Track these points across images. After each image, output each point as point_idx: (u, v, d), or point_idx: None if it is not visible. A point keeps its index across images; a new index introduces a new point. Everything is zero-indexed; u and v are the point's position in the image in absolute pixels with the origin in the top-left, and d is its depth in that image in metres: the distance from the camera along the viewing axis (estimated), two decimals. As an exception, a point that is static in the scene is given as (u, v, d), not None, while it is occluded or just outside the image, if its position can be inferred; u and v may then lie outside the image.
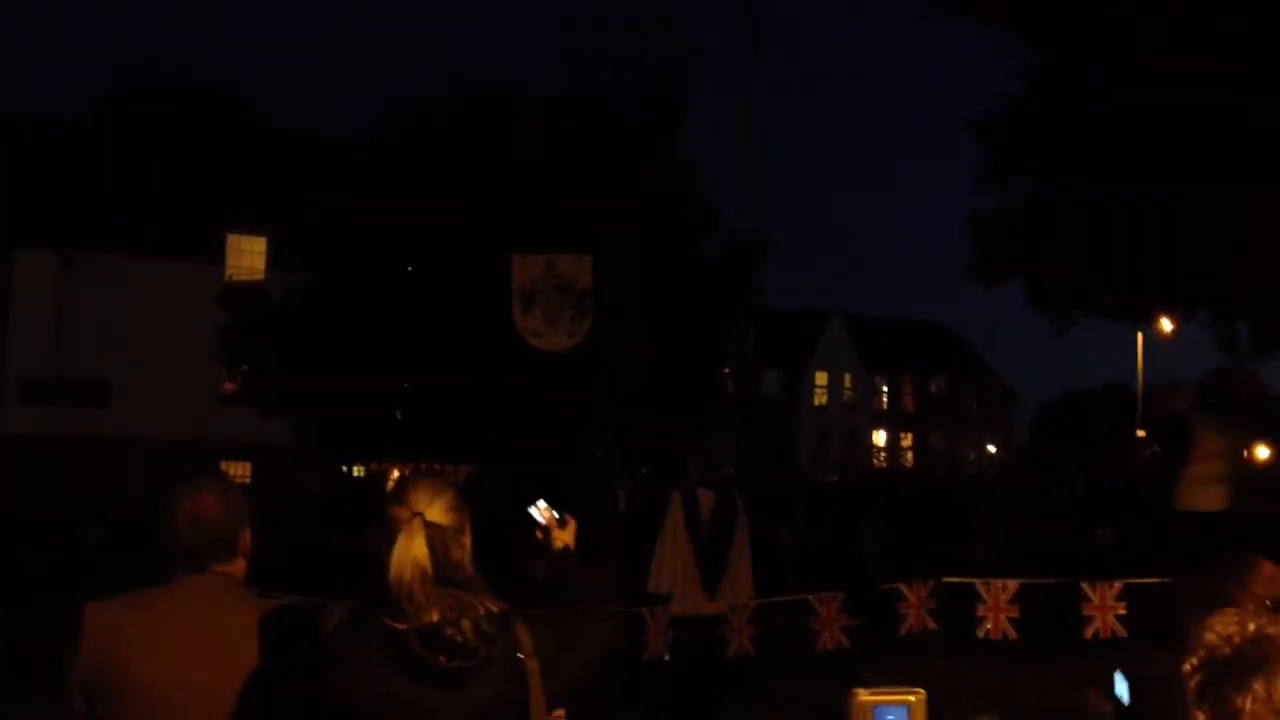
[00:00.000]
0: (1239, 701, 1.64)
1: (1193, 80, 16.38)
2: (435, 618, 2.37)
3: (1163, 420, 11.06)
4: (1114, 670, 3.44)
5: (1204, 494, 9.29)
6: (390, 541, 2.42)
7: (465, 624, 2.38)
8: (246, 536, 2.96)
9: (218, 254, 34.41)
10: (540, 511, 3.03)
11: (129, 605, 2.84)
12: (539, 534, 2.98)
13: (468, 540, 2.55)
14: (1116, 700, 3.38)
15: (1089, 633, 8.39)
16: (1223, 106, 16.27)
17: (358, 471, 26.08)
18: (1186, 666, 1.71)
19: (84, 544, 15.71)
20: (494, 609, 2.44)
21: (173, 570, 2.88)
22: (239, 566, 2.94)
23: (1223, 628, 1.72)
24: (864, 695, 3.38)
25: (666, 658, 8.64)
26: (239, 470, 30.68)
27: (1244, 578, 3.03)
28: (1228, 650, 1.69)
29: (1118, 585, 8.46)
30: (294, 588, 3.09)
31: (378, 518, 2.51)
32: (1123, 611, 8.34)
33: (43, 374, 31.11)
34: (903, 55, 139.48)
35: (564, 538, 2.93)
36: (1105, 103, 17.64)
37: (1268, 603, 2.94)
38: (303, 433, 23.21)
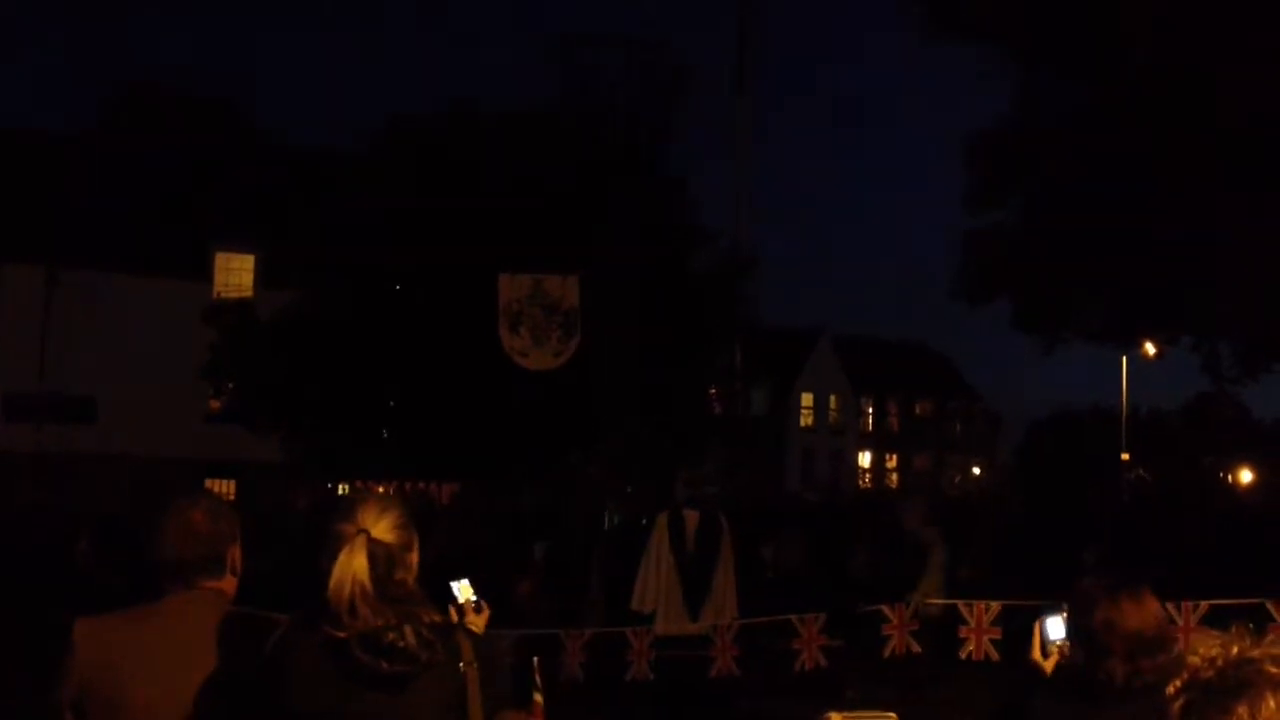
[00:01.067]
0: None
1: (1181, 103, 16.52)
2: (377, 625, 2.41)
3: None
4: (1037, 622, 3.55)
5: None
6: (333, 556, 2.45)
7: (407, 630, 2.41)
8: (236, 553, 2.98)
9: (206, 271, 34.39)
10: (461, 590, 2.99)
11: (119, 623, 2.86)
12: (454, 612, 2.98)
13: (414, 558, 2.57)
14: (1045, 644, 3.49)
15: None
16: (1210, 130, 16.40)
17: (343, 490, 26.01)
18: (1170, 689, 1.69)
19: (72, 561, 15.63)
20: (436, 618, 2.48)
21: (163, 586, 2.90)
22: (229, 583, 2.96)
23: (1206, 650, 1.69)
24: (837, 718, 3.42)
25: (650, 677, 8.66)
26: (224, 488, 30.57)
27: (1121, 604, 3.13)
28: (1210, 674, 1.66)
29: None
30: (279, 606, 3.11)
31: (323, 533, 2.55)
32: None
33: (28, 390, 30.99)
34: (894, 75, 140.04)
35: (477, 624, 2.89)
36: (1093, 124, 17.77)
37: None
38: (289, 451, 23.15)
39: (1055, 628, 3.45)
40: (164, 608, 2.89)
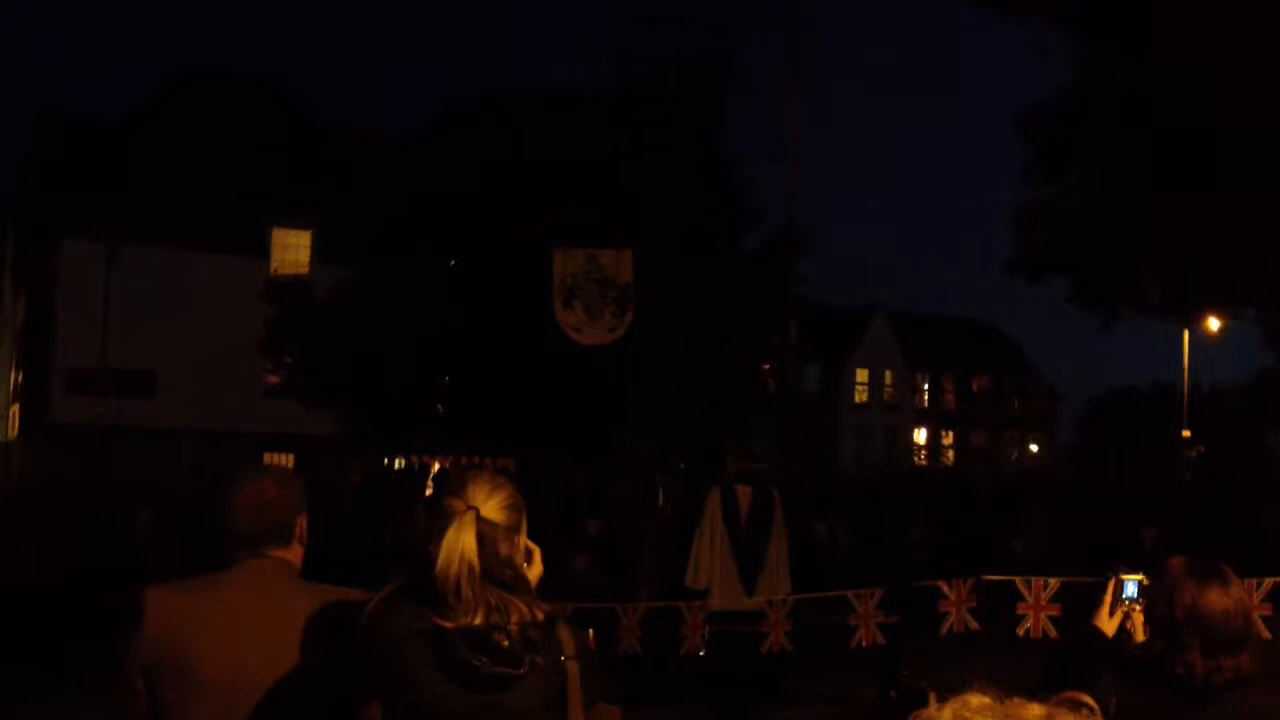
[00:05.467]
0: None
1: (1241, 75, 16.20)
2: (479, 619, 2.34)
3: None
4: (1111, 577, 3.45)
5: None
6: (440, 533, 2.40)
7: (512, 629, 2.35)
8: (304, 523, 3.00)
9: (263, 248, 34.77)
10: None
11: (189, 590, 2.89)
12: None
13: (521, 540, 2.51)
14: (1115, 603, 3.40)
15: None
16: (1271, 102, 16.08)
17: (399, 464, 26.27)
18: None
19: (135, 533, 15.94)
20: (539, 614, 2.41)
21: (231, 555, 2.92)
22: (295, 553, 2.98)
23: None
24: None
25: (702, 653, 8.65)
26: (282, 461, 30.95)
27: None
28: None
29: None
30: (336, 578, 3.12)
31: (426, 507, 2.49)
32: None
33: (90, 365, 31.54)
34: (949, 47, 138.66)
35: (533, 573, 2.58)
36: (1153, 97, 17.48)
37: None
38: (345, 425, 23.38)
39: (1130, 587, 3.36)
40: (233, 576, 2.91)
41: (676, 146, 20.13)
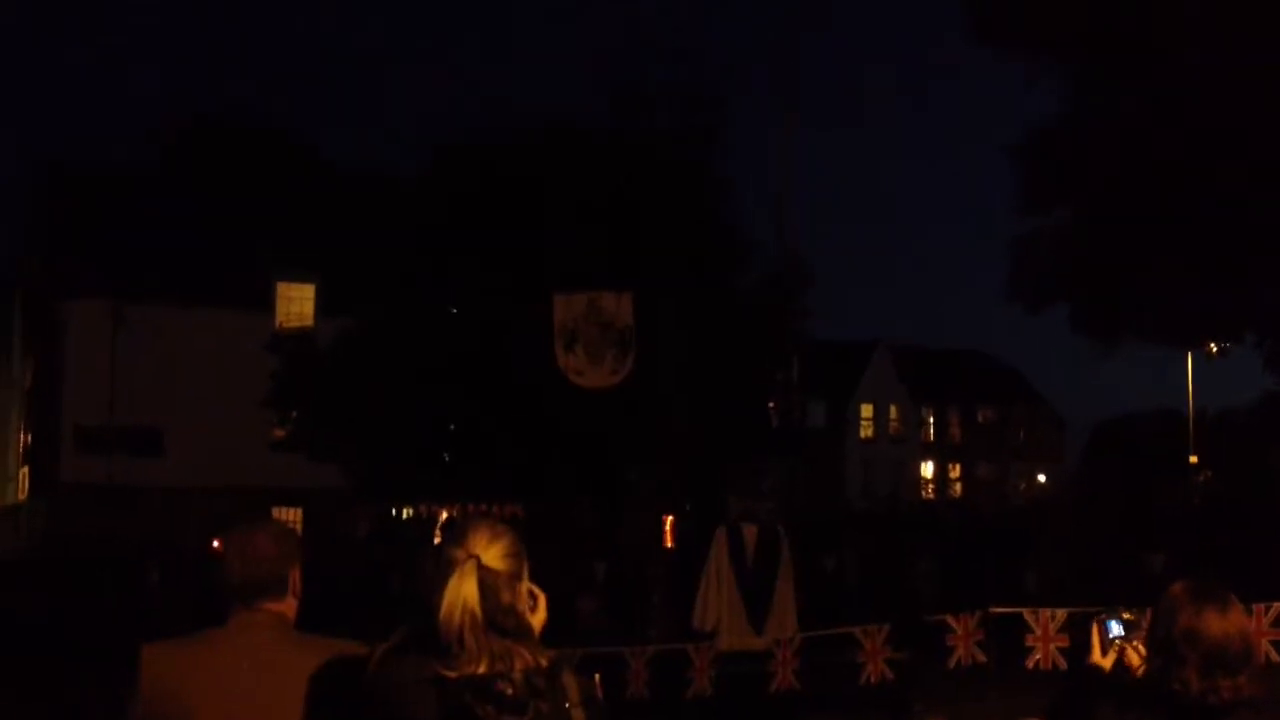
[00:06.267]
0: None
1: (1235, 102, 16.32)
2: (483, 668, 2.34)
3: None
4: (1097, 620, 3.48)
5: None
6: (442, 582, 2.40)
7: (516, 677, 2.35)
8: (297, 576, 3.01)
9: (268, 302, 34.89)
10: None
11: (184, 646, 2.90)
12: None
13: (524, 587, 2.50)
14: (1104, 644, 3.42)
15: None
16: (1265, 127, 16.19)
17: (406, 513, 26.27)
18: None
19: (143, 589, 15.96)
20: (543, 661, 2.40)
21: (225, 609, 2.94)
22: (290, 605, 3.00)
23: None
24: None
25: (709, 693, 8.66)
26: (290, 515, 30.87)
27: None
28: None
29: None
30: (344, 631, 3.14)
31: (433, 556, 2.47)
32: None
33: (97, 423, 31.61)
34: (942, 79, 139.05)
35: (538, 619, 2.58)
36: (1146, 125, 17.58)
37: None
38: (352, 477, 23.39)
39: (1114, 627, 3.39)
40: (228, 630, 2.93)
41: (673, 178, 20.25)
